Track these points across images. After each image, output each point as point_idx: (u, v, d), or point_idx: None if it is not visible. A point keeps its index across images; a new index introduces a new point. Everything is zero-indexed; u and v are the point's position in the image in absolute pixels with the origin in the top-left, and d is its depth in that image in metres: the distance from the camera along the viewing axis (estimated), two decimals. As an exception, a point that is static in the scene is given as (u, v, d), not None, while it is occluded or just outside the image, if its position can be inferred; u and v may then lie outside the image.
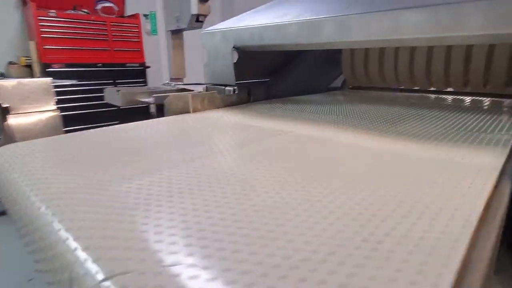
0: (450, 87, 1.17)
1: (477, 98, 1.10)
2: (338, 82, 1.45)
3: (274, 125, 0.74)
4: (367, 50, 1.27)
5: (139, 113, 2.76)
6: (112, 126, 0.73)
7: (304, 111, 0.90)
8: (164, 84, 2.20)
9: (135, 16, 2.83)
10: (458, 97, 1.13)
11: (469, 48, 1.07)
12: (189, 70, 2.19)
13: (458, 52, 1.09)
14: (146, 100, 1.75)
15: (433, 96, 1.19)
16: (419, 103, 1.02)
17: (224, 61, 0.99)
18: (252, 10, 1.08)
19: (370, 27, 0.70)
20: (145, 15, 3.13)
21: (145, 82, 2.89)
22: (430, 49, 1.14)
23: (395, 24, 0.67)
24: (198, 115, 0.87)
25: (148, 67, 2.90)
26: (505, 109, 0.90)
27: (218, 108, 0.97)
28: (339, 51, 1.35)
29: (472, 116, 0.78)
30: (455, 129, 0.66)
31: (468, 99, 1.09)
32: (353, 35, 0.73)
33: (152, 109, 3.09)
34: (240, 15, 1.06)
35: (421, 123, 0.72)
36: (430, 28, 0.63)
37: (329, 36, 0.77)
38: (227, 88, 1.00)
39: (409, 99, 1.11)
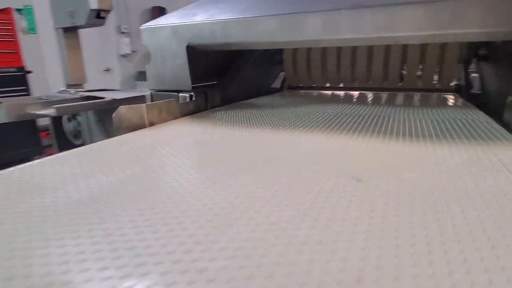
0: (387, 83, 1.23)
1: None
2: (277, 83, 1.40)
3: (265, 136, 0.63)
4: (309, 49, 1.25)
5: (21, 128, 2.27)
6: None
7: (281, 116, 0.81)
8: (60, 92, 1.83)
9: (6, 11, 2.29)
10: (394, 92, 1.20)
11: (405, 47, 1.14)
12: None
13: (396, 52, 1.15)
14: (44, 112, 1.41)
15: (371, 93, 1.23)
16: (377, 100, 1.03)
17: (176, 62, 0.83)
18: (197, 3, 0.94)
19: (362, 23, 0.66)
20: (18, 10, 2.58)
21: (27, 91, 2.38)
22: (370, 47, 1.17)
23: (388, 20, 0.64)
24: (164, 129, 0.70)
25: (30, 72, 2.40)
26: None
27: (175, 118, 0.81)
28: (280, 50, 1.29)
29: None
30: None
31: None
32: (341, 32, 0.68)
33: (42, 122, 2.56)
34: (186, 7, 0.91)
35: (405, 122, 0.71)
36: (427, 25, 0.61)
37: (313, 34, 0.70)
38: (181, 94, 0.84)
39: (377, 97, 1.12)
